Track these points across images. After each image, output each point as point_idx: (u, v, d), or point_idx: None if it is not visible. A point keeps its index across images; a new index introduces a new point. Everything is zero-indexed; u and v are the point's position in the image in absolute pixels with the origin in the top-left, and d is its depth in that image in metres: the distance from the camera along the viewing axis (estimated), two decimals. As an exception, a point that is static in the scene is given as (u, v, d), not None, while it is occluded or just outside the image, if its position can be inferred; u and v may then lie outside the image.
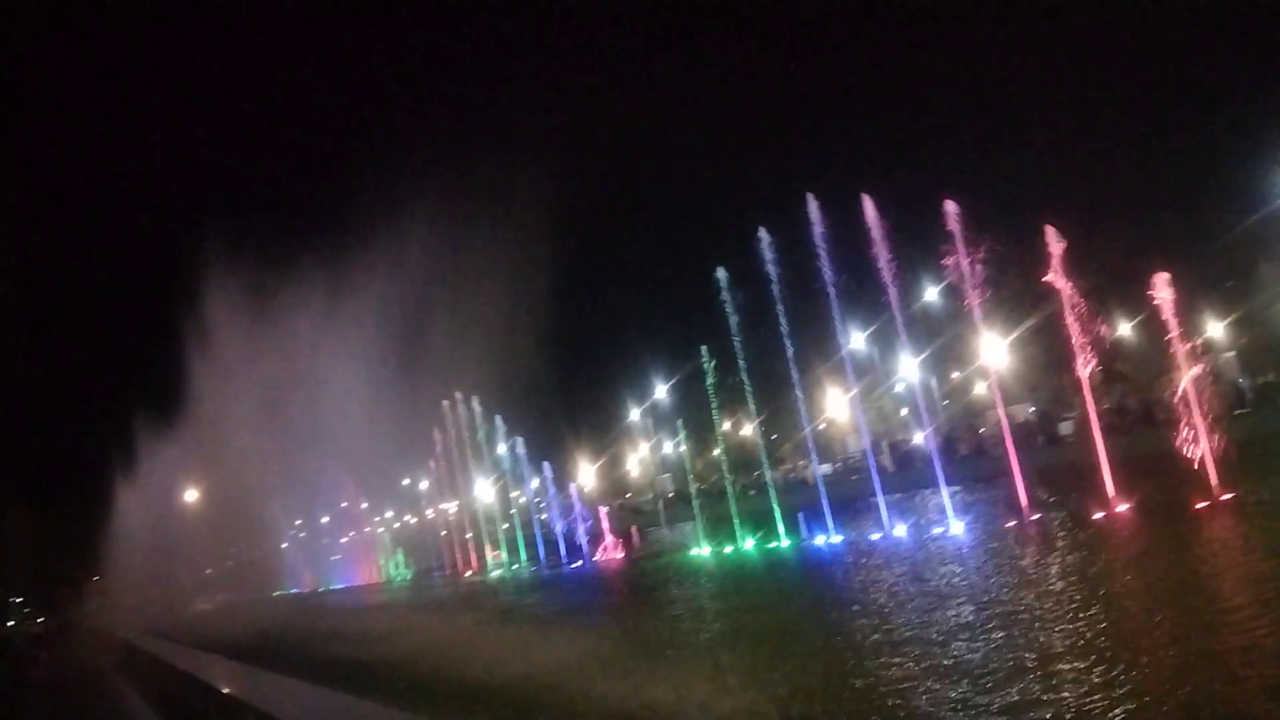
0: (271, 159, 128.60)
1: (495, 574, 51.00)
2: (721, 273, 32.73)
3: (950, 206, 25.56)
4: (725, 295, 32.58)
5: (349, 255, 66.10)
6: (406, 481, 71.59)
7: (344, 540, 79.05)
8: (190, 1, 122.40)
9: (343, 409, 66.49)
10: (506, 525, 54.25)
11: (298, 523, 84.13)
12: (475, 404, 53.73)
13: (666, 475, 67.41)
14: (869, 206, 27.46)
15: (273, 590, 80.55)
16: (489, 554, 54.96)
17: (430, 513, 68.45)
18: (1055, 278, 23.28)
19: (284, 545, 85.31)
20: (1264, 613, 11.74)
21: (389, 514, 72.63)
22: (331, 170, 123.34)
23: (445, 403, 56.50)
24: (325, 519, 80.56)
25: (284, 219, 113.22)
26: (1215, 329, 46.61)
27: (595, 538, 44.00)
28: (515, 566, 51.31)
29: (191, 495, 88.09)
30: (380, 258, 65.53)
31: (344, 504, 75.04)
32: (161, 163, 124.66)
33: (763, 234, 30.53)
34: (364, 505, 73.45)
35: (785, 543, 31.13)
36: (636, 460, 72.45)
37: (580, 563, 43.75)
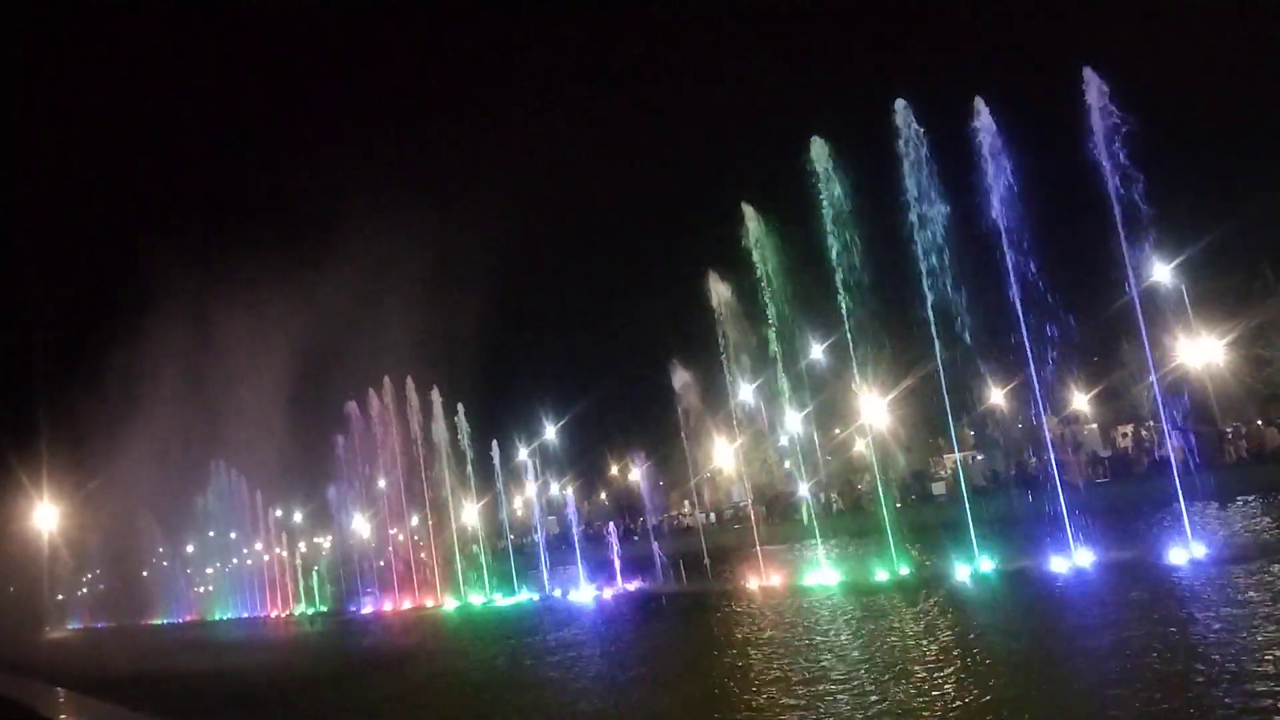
0: (191, 169, 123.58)
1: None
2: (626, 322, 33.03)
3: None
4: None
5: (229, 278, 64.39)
6: (279, 513, 69.22)
7: (209, 571, 75.70)
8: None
9: (225, 436, 64.24)
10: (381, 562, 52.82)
11: (160, 549, 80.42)
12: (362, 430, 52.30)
13: (552, 518, 66.77)
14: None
15: (138, 619, 76.19)
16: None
17: (317, 541, 66.35)
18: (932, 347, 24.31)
19: (144, 574, 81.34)
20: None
21: (258, 546, 69.97)
22: (239, 186, 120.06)
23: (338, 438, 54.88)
24: (190, 548, 77.14)
25: (200, 229, 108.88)
26: (1081, 402, 49.23)
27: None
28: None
29: (50, 514, 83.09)
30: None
31: (211, 533, 71.99)
32: (51, 162, 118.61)
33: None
34: (233, 535, 70.44)
35: (669, 587, 31.34)
36: (521, 501, 71.71)
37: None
